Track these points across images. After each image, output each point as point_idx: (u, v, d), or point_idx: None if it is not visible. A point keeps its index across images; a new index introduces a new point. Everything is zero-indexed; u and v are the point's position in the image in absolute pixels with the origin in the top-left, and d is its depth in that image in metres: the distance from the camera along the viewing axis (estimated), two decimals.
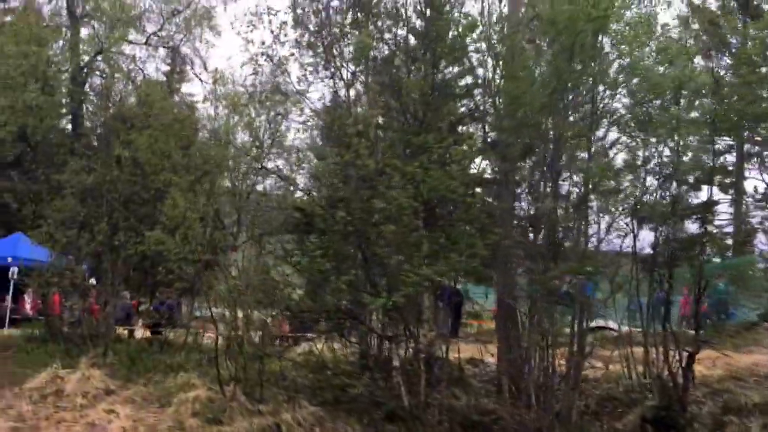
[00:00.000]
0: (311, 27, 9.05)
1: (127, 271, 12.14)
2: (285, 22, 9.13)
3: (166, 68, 14.07)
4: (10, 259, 23.40)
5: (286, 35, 9.10)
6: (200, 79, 13.54)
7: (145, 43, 12.89)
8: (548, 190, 8.35)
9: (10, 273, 22.81)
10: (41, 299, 19.36)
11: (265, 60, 9.31)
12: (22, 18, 11.80)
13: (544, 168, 8.19)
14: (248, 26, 9.30)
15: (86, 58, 12.43)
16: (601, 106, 8.91)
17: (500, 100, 8.21)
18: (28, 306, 23.95)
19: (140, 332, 14.89)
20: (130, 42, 12.54)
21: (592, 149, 8.97)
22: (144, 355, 11.84)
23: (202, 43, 13.66)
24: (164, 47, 13.53)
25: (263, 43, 9.29)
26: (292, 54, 9.23)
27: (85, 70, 12.50)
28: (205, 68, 13.65)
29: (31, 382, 10.29)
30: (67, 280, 12.25)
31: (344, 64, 8.73)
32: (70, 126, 13.90)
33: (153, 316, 15.55)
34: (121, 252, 11.59)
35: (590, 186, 8.59)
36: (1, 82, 11.93)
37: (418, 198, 7.60)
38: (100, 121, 12.15)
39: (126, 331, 14.62)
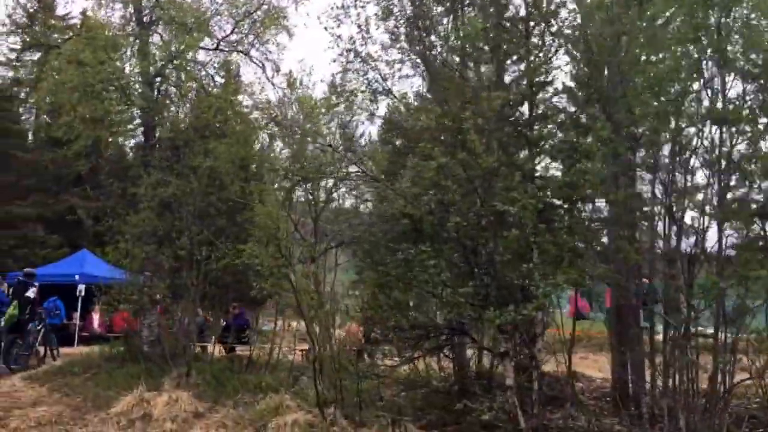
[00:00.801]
0: (403, 16, 8.33)
1: (206, 286, 11.57)
2: (375, 14, 8.44)
3: (235, 73, 13.51)
4: (77, 277, 23.49)
5: (377, 27, 8.43)
6: (272, 83, 12.93)
7: (216, 48, 12.32)
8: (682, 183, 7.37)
9: (77, 291, 22.90)
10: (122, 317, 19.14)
11: (354, 56, 8.64)
12: (95, 25, 11.43)
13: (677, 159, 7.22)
14: (335, 21, 8.67)
15: (158, 65, 11.87)
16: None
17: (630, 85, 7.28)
18: (96, 324, 23.99)
19: (213, 348, 14.44)
20: (201, 48, 11.99)
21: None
22: (228, 374, 11.28)
23: (274, 46, 13.06)
24: (236, 51, 12.95)
25: (351, 38, 8.63)
26: (383, 47, 8.52)
27: (158, 79, 11.98)
28: (277, 71, 13.03)
29: (116, 405, 9.84)
30: (146, 297, 11.78)
31: (443, 54, 8.01)
32: (142, 137, 13.40)
33: (227, 332, 15.16)
34: (203, 266, 11.04)
35: None
36: (81, 90, 11.48)
37: (543, 199, 6.80)
38: (176, 130, 11.60)
39: (199, 348, 14.16)
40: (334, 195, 12.40)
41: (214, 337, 15.58)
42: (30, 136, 39.28)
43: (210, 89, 12.01)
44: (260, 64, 13.22)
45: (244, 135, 11.85)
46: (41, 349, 14.30)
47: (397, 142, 9.97)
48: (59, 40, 23.26)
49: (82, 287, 23.41)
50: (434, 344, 8.29)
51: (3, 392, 10.92)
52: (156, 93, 12.20)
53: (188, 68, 11.83)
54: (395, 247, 7.51)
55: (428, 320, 7.60)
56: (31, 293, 14.12)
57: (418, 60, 8.87)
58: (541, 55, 7.70)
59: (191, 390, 10.43)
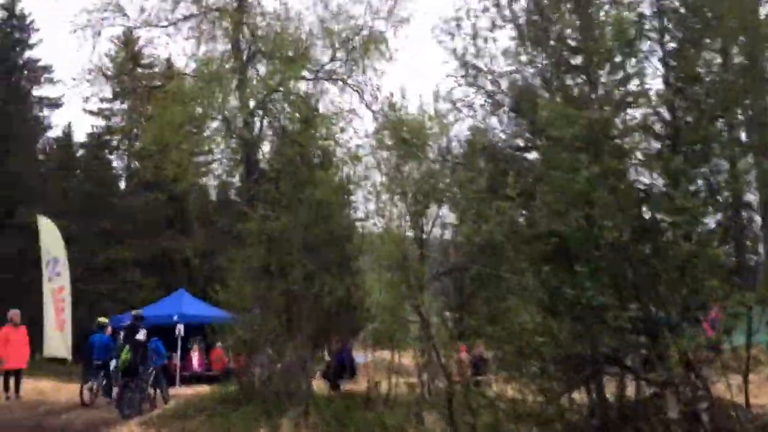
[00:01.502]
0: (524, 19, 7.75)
1: (318, 321, 11.15)
2: (494, 23, 7.89)
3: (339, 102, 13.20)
4: (175, 317, 23.72)
5: (494, 39, 7.88)
6: (371, 110, 12.55)
7: (314, 78, 12.04)
8: None
9: (176, 331, 23.08)
10: (234, 357, 19.04)
11: (470, 69, 8.09)
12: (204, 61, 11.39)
13: None
14: (447, 35, 8.17)
15: (258, 98, 11.68)
16: None
17: None
18: (195, 363, 24.10)
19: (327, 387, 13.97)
20: (301, 78, 11.73)
21: None
22: (347, 412, 10.72)
23: (371, 71, 12.71)
24: (333, 80, 12.66)
25: (464, 49, 8.09)
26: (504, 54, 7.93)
27: (260, 112, 11.79)
28: (376, 98, 12.66)
29: None
30: (261, 336, 11.44)
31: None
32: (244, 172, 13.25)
33: (330, 367, 14.72)
34: (317, 301, 10.62)
35: None
36: (186, 126, 11.42)
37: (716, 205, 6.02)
38: (282, 162, 11.33)
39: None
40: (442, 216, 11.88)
41: (317, 373, 15.17)
42: (122, 183, 40.74)
43: (312, 118, 11.64)
44: (358, 91, 12.88)
45: (348, 161, 11.48)
46: (152, 392, 14.21)
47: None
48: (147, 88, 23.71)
49: (180, 327, 23.62)
50: (586, 375, 7.48)
51: None
52: (260, 125, 12.02)
53: (291, 98, 11.53)
54: (536, 269, 6.81)
55: (583, 349, 6.84)
56: (141, 336, 14.07)
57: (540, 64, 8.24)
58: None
59: (312, 431, 9.97)
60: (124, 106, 38.52)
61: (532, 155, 8.14)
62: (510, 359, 8.65)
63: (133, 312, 15.40)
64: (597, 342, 6.64)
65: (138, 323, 14.48)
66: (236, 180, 48.13)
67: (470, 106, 8.45)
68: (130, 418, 12.55)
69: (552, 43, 7.65)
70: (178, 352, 22.65)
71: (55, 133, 39.25)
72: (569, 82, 7.83)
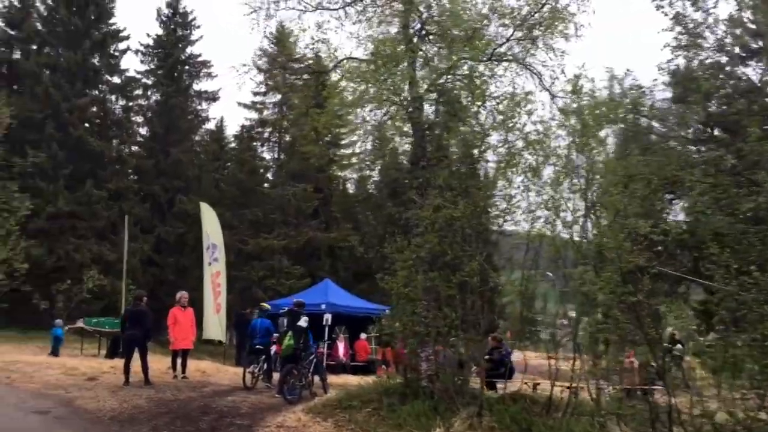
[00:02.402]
0: None
1: (493, 316, 10.46)
2: None
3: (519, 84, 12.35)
4: (323, 306, 23.93)
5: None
6: (551, 94, 11.66)
7: (489, 59, 11.31)
8: None
9: (324, 320, 23.27)
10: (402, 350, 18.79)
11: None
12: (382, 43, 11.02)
13: None
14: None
15: (434, 80, 11.13)
16: None
17: None
18: (341, 352, 24.20)
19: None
20: (476, 60, 11.04)
21: None
22: (526, 417, 9.94)
23: (553, 52, 11.81)
24: (509, 61, 11.88)
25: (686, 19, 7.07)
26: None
27: (432, 95, 11.25)
28: (556, 78, 11.75)
29: None
30: (432, 329, 10.89)
31: None
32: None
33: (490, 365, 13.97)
34: (494, 293, 9.94)
35: None
36: (363, 105, 11.10)
37: None
38: (462, 147, 10.74)
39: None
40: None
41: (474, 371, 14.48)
42: (272, 174, 42.09)
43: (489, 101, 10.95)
44: (537, 73, 12.05)
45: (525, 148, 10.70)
46: (313, 380, 14.16)
47: None
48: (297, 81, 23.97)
49: (328, 316, 23.84)
50: None
51: (292, 427, 10.55)
52: (435, 109, 11.49)
53: (464, 81, 10.90)
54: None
55: None
56: (303, 323, 14.03)
57: None
58: None
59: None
60: (276, 99, 39.81)
61: None
62: None
63: (295, 300, 15.44)
64: None
65: (299, 310, 14.47)
66: (375, 174, 48.62)
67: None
68: (293, 404, 12.49)
69: None
70: (325, 341, 22.74)
71: (211, 125, 41.20)
72: None
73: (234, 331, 25.13)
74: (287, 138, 39.65)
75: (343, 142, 39.33)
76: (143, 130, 39.55)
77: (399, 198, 13.27)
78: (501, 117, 11.03)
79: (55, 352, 20.80)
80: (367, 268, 42.15)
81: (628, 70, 10.41)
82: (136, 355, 14.01)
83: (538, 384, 13.60)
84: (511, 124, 10.96)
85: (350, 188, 46.82)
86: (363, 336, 25.62)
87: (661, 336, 8.95)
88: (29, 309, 28.35)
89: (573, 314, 11.42)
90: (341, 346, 24.69)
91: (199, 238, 35.65)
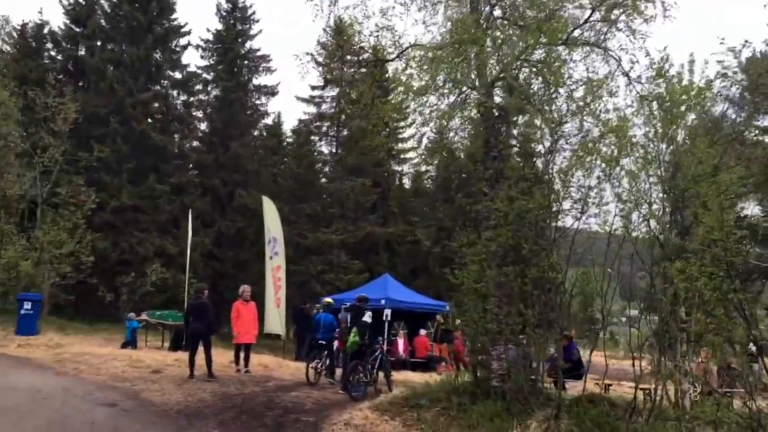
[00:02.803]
0: None
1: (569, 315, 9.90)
2: None
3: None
4: (383, 301, 23.59)
5: None
6: (630, 79, 10.98)
7: (565, 43, 10.70)
8: None
9: (383, 315, 22.91)
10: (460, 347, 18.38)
11: None
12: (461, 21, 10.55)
13: None
14: None
15: (505, 64, 10.60)
16: None
17: None
18: (401, 348, 23.81)
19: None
20: (550, 44, 10.45)
21: None
22: (606, 421, 9.35)
23: (633, 35, 11.12)
24: (585, 45, 11.24)
25: None
26: None
27: (502, 82, 10.72)
28: (637, 62, 11.06)
29: None
30: (504, 326, 10.40)
31: None
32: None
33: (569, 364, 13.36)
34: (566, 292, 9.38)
35: None
36: (433, 90, 10.67)
37: None
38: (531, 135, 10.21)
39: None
40: None
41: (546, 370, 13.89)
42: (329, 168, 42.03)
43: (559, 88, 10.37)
44: (615, 57, 11.37)
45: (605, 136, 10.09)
46: (377, 376, 13.83)
47: None
48: (357, 74, 23.62)
49: (388, 312, 23.52)
50: None
51: (359, 425, 10.22)
52: (507, 95, 10.96)
53: (538, 66, 10.34)
54: None
55: None
56: (367, 318, 13.72)
57: None
58: None
59: None
60: (334, 92, 39.67)
61: None
62: None
63: (359, 295, 15.14)
64: None
65: (363, 305, 14.16)
66: (432, 169, 48.07)
67: None
68: (358, 401, 12.20)
69: None
70: (385, 337, 22.40)
71: (269, 120, 41.36)
72: None
73: (293, 325, 25.00)
74: (345, 132, 39.50)
75: (401, 135, 38.94)
76: (203, 125, 39.97)
77: (465, 190, 12.74)
78: (577, 104, 10.44)
79: (131, 344, 21.01)
80: (423, 264, 41.87)
81: (746, 41, 9.63)
82: (200, 349, 13.93)
83: (610, 385, 12.98)
84: (588, 111, 10.38)
85: (406, 184, 46.49)
86: (422, 332, 25.22)
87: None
88: (95, 301, 28.91)
89: (635, 312, 10.79)
90: (401, 342, 24.32)
91: (259, 231, 35.89)
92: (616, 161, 9.99)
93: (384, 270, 34.82)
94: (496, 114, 11.39)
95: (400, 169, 45.27)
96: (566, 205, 10.80)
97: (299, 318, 23.15)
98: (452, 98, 11.65)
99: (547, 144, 10.63)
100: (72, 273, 24.46)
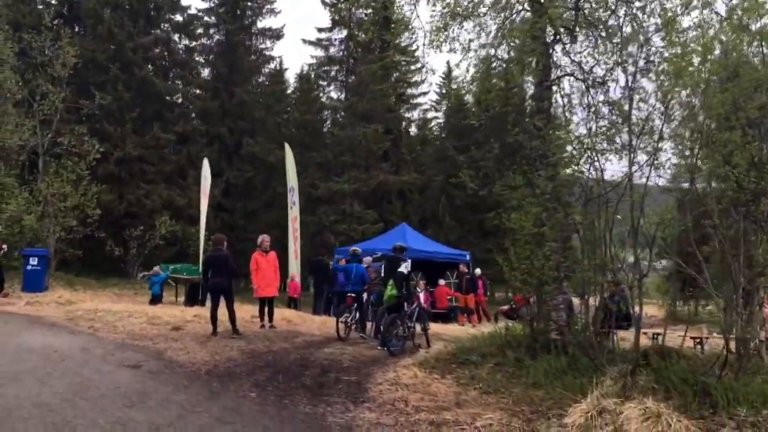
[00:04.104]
0: None
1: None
2: None
3: None
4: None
5: None
6: None
7: None
8: None
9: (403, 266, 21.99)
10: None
11: None
12: None
13: None
14: None
15: None
16: None
17: None
18: (421, 300, 22.99)
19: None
20: None
21: None
22: (695, 377, 8.34)
23: None
24: None
25: None
26: None
27: None
28: None
29: (569, 414, 7.55)
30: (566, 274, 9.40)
31: None
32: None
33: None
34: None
35: None
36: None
37: None
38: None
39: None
40: None
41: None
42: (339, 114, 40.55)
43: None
44: None
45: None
46: (415, 330, 12.93)
47: None
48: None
49: (408, 262, 22.63)
50: None
51: (409, 384, 9.24)
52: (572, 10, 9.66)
53: None
54: None
55: None
56: (403, 269, 12.71)
57: None
58: None
59: (646, 396, 7.80)
60: (342, 35, 37.97)
61: None
62: None
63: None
64: None
65: (400, 255, 13.17)
66: (441, 115, 46.47)
67: None
68: (397, 357, 11.32)
69: None
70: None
71: (275, 65, 39.70)
72: None
73: (310, 278, 24.05)
74: (353, 77, 37.93)
75: (413, 79, 37.47)
76: (206, 72, 38.32)
77: (506, 126, 11.51)
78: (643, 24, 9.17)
79: (158, 300, 19.97)
80: (432, 213, 40.84)
81: None
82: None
83: (658, 334, 12.09)
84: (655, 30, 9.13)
85: (413, 132, 45.14)
86: (442, 282, 24.45)
87: None
88: (103, 256, 28.00)
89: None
90: (421, 294, 23.48)
91: (268, 181, 34.92)
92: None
93: (397, 220, 33.86)
94: (552, 37, 10.13)
95: (409, 116, 43.93)
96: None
97: (316, 270, 22.24)
98: (497, 23, 10.33)
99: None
100: (78, 227, 23.43)
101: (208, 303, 14.07)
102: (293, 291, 22.66)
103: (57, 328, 13.02)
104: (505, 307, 27.05)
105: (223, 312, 13.01)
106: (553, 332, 10.14)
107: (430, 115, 49.69)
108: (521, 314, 27.97)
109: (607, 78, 10.46)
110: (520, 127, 10.40)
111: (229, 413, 7.65)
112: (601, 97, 10.34)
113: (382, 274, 13.72)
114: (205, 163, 22.07)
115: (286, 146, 23.85)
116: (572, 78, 10.72)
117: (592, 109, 10.01)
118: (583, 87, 10.49)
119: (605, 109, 10.28)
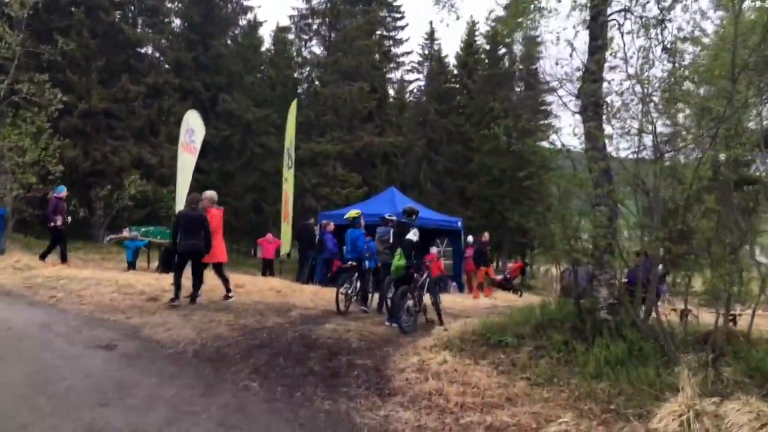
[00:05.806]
0: None
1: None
2: None
3: None
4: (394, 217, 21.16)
5: None
6: None
7: None
8: None
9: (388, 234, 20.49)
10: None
11: None
12: None
13: None
14: None
15: None
16: None
17: None
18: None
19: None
20: None
21: None
22: None
23: None
24: None
25: None
26: None
27: None
28: None
29: (653, 416, 6.11)
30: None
31: None
32: None
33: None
34: None
35: None
36: None
37: None
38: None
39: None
40: None
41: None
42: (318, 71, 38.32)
43: None
44: None
45: None
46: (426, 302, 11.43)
47: None
48: None
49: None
50: None
51: (438, 372, 7.70)
52: None
53: None
54: None
55: None
56: (412, 236, 11.11)
57: None
58: None
59: (741, 392, 6.43)
60: None
61: None
62: None
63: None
64: None
65: (410, 220, 11.57)
66: (422, 78, 44.68)
67: None
68: (409, 335, 9.85)
69: None
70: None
71: (253, 15, 37.15)
72: None
73: (295, 243, 22.29)
74: (337, 32, 35.67)
75: (397, 36, 35.44)
76: (178, 22, 35.60)
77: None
78: None
79: (132, 266, 18.34)
80: (414, 179, 39.28)
81: None
82: None
83: (688, 311, 10.78)
84: None
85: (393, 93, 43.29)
86: (433, 250, 22.92)
87: None
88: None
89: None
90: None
91: (244, 141, 32.90)
92: None
93: (382, 185, 32.20)
94: None
95: (391, 76, 42.05)
96: None
97: (303, 235, 20.56)
98: None
99: None
100: (38, 184, 21.23)
101: None
102: (267, 252, 21.16)
103: (12, 299, 11.22)
104: (499, 277, 25.81)
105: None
106: (603, 311, 8.66)
107: (411, 77, 48.04)
108: (515, 285, 26.78)
109: (664, 17, 8.99)
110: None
111: (232, 414, 6.04)
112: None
113: (390, 240, 12.15)
114: (195, 114, 20.04)
115: (293, 105, 22.28)
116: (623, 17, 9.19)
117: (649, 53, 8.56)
118: (639, 25, 8.97)
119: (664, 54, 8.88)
